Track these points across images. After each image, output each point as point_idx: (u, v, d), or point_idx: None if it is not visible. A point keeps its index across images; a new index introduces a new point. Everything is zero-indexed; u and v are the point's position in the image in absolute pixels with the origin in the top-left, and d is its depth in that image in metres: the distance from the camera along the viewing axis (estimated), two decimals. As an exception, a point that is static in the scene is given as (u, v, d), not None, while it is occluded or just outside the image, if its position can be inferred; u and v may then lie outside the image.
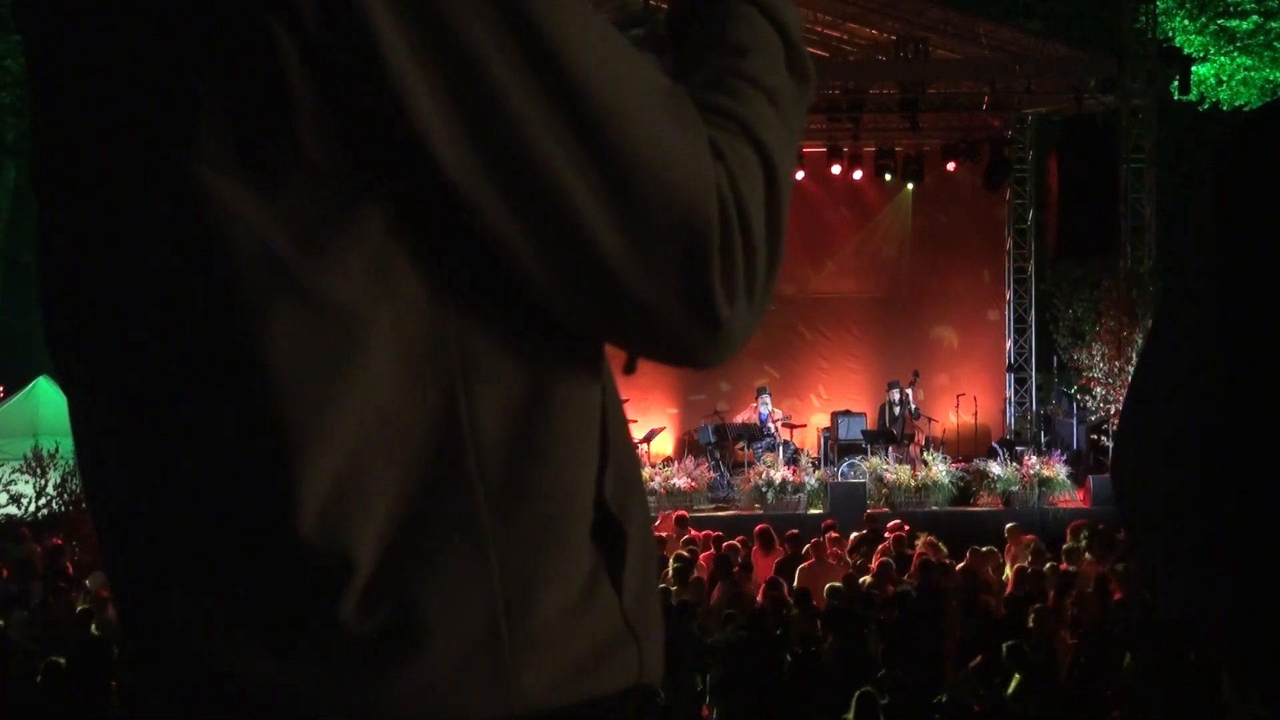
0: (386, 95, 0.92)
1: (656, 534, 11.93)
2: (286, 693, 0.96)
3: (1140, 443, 1.26)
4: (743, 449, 16.99)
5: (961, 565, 11.01)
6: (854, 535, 12.71)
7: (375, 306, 0.96)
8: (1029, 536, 12.33)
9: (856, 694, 6.89)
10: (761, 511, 15.09)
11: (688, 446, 17.97)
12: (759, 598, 9.85)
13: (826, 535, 12.42)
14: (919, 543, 12.06)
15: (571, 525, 1.06)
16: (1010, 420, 19.53)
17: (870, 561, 11.32)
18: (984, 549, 11.61)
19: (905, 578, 10.52)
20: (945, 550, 12.01)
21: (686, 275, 0.99)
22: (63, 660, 7.58)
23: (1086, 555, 11.28)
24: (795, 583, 10.20)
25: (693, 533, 12.87)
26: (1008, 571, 11.12)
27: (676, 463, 16.05)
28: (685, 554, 11.12)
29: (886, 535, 12.43)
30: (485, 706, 1.00)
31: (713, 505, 15.76)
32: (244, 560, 0.98)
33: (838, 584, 9.76)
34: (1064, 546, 11.67)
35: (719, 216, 0.99)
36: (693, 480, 15.67)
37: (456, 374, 1.00)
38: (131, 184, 0.98)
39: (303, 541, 0.96)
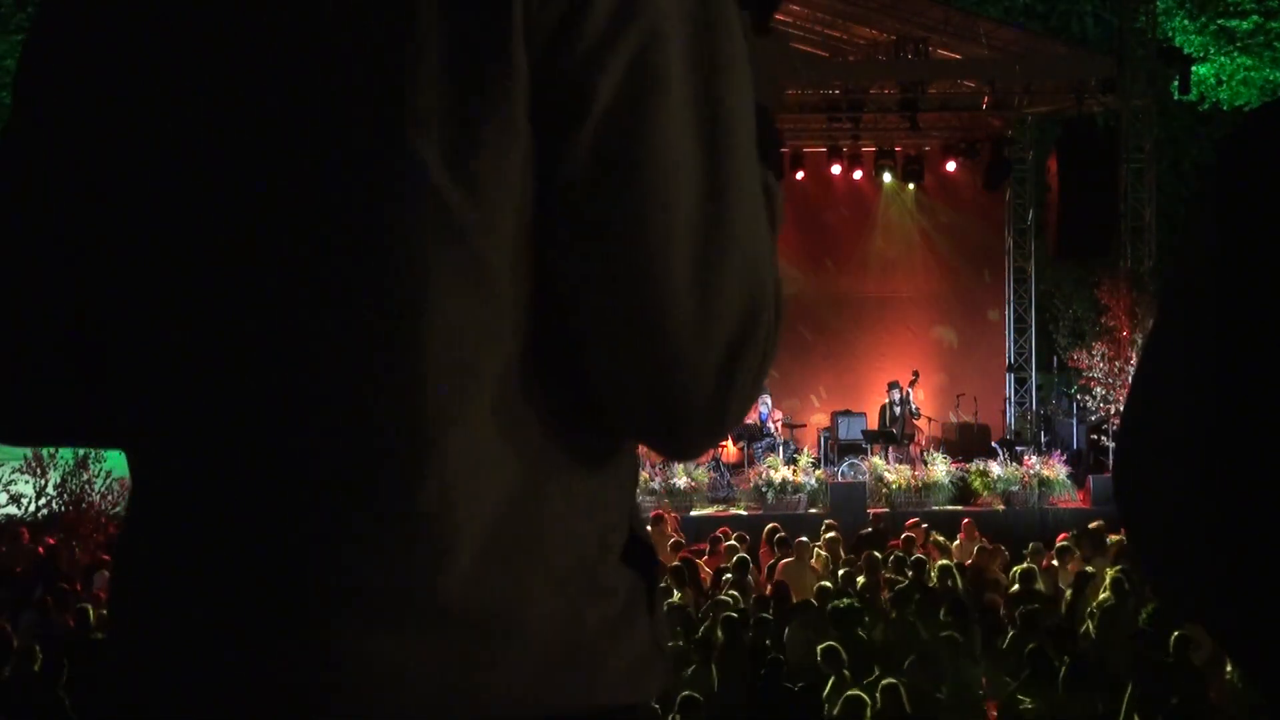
0: (580, 80, 0.95)
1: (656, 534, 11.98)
2: (388, 666, 0.98)
3: (1140, 443, 1.26)
4: (743, 449, 16.99)
5: (969, 563, 11.03)
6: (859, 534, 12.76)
7: (515, 287, 0.99)
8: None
9: (843, 697, 6.90)
10: (761, 512, 15.10)
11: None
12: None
13: (824, 536, 12.45)
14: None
15: (616, 540, 1.11)
16: (1010, 420, 19.53)
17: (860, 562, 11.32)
18: (989, 546, 11.63)
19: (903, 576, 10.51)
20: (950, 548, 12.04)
21: (727, 360, 1.02)
22: (65, 661, 7.58)
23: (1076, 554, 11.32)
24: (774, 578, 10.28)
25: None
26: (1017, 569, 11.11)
27: (676, 463, 16.05)
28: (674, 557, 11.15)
29: (897, 538, 12.44)
30: (574, 694, 1.04)
31: (713, 505, 15.77)
32: (362, 529, 0.99)
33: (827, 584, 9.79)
34: (1059, 544, 11.72)
35: (771, 317, 1.04)
36: (692, 480, 15.67)
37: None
38: (318, 144, 0.97)
39: (422, 516, 0.98)
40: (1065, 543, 11.61)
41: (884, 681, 6.85)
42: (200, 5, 1.04)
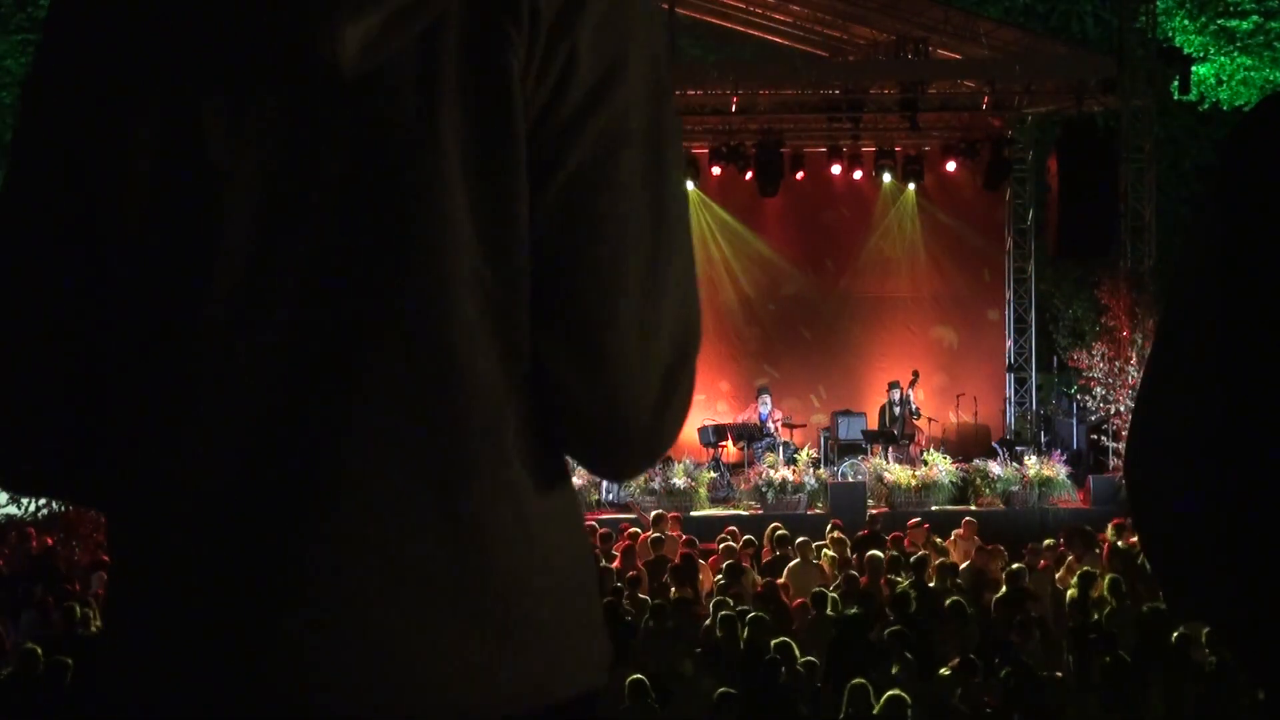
0: (561, 143, 1.13)
1: (655, 534, 11.99)
2: (431, 652, 1.12)
3: (1150, 443, 1.26)
4: (743, 449, 16.99)
5: (966, 564, 11.02)
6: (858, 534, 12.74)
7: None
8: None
9: (847, 688, 6.90)
10: (761, 512, 15.09)
11: (687, 447, 17.96)
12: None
13: (829, 535, 12.45)
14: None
15: (589, 545, 1.34)
16: (1010, 420, 19.52)
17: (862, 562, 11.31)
18: (989, 547, 11.62)
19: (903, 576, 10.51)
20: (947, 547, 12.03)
21: (664, 389, 1.18)
22: (69, 660, 7.58)
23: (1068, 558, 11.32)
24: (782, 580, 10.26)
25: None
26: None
27: (676, 463, 16.03)
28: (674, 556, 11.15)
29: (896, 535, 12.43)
30: (573, 680, 1.21)
31: (713, 505, 15.75)
32: (410, 529, 1.12)
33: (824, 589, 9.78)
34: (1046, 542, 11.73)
35: (697, 350, 1.22)
36: (692, 480, 15.66)
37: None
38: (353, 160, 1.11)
39: (469, 519, 1.13)
40: (1050, 543, 11.61)
41: (889, 693, 6.84)
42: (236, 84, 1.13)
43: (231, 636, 1.12)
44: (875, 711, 6.78)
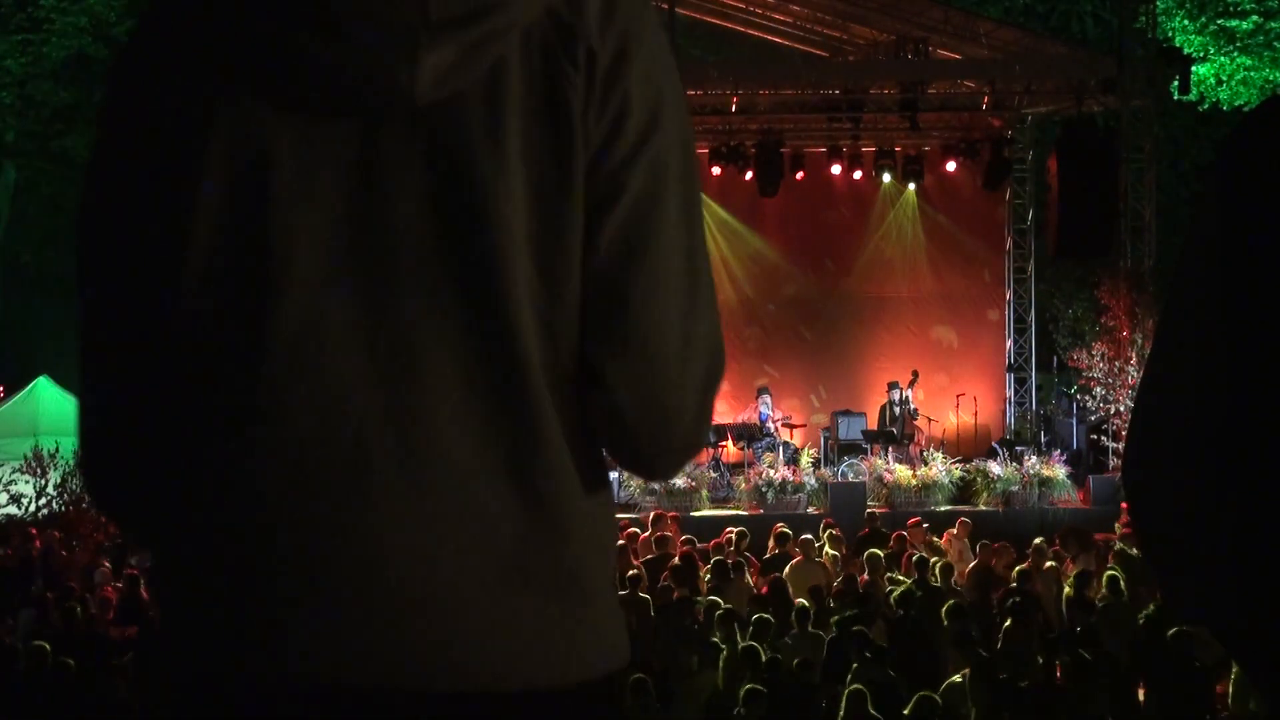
0: (619, 177, 1.26)
1: (655, 535, 12.00)
2: (515, 622, 1.24)
3: (1149, 444, 1.27)
4: (743, 449, 16.99)
5: (973, 564, 11.00)
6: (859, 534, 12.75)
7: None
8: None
9: (846, 692, 6.90)
10: (762, 512, 15.09)
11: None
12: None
13: (826, 534, 12.45)
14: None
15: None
16: (1010, 420, 19.52)
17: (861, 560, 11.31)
18: (995, 545, 11.61)
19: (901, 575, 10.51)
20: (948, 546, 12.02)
21: (702, 397, 1.34)
22: (71, 661, 7.59)
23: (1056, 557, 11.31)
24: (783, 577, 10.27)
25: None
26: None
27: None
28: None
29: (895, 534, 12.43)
30: (626, 650, 1.34)
31: (713, 505, 15.75)
32: (493, 510, 1.24)
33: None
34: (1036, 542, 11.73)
35: (723, 367, 1.36)
36: (692, 480, 15.66)
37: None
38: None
39: (549, 498, 1.26)
40: (1039, 543, 11.62)
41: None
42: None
43: (318, 614, 1.21)
44: (906, 711, 6.78)
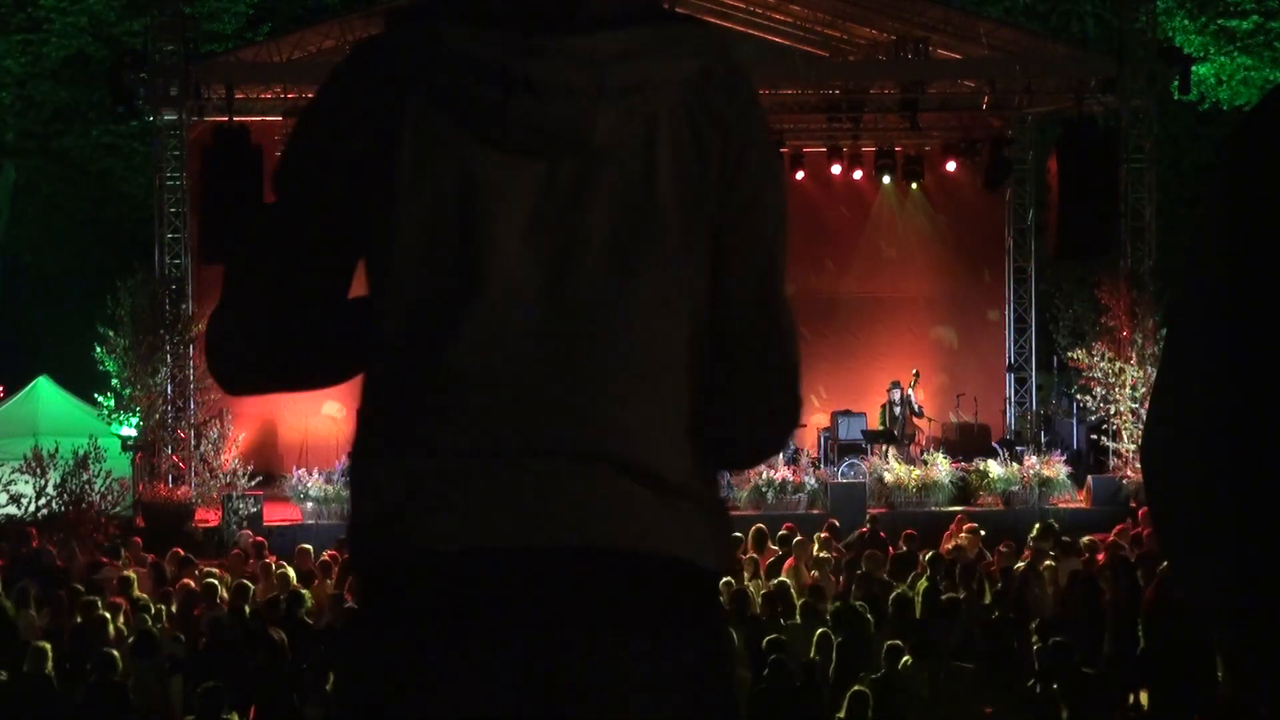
0: (755, 220, 1.66)
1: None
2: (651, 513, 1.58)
3: (1164, 435, 1.27)
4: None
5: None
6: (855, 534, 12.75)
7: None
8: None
9: (849, 693, 6.90)
10: (762, 512, 15.10)
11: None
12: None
13: (824, 535, 12.45)
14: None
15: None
16: (1010, 420, 19.53)
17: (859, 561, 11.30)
18: (1003, 546, 11.63)
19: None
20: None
21: (799, 399, 1.79)
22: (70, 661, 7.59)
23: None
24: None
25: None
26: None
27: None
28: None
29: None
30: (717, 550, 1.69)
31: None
32: (668, 447, 1.60)
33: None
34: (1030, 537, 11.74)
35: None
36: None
37: None
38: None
39: (696, 447, 1.63)
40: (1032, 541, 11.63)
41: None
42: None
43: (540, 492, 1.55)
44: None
